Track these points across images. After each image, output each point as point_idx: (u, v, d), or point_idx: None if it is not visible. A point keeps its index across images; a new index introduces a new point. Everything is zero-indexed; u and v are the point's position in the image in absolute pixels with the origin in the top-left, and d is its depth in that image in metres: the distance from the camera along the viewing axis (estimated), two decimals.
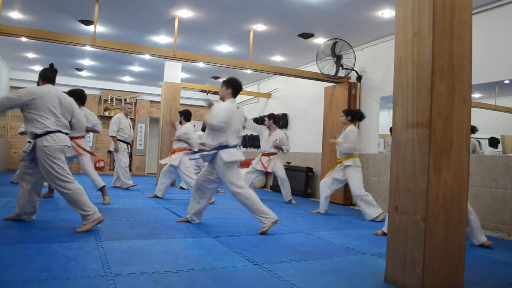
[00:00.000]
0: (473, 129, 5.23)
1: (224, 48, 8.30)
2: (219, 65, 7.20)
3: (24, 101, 3.95)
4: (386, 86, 6.96)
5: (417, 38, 2.74)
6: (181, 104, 10.24)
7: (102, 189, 5.91)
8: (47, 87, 4.16)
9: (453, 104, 2.69)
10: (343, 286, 2.72)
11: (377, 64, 7.30)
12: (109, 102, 12.96)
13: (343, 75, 7.44)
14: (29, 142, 4.23)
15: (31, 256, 3.01)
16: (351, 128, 5.84)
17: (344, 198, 7.27)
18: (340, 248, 3.87)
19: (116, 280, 2.54)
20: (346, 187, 6.42)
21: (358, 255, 3.63)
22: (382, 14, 6.04)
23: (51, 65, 4.36)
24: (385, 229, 4.51)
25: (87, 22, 6.99)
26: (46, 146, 3.93)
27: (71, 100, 4.31)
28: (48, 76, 4.26)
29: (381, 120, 7.12)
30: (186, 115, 7.40)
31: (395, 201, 2.79)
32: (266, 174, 7.62)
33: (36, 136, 3.97)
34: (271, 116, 7.58)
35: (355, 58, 7.21)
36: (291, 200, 7.36)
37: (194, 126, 7.67)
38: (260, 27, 6.91)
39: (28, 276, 2.54)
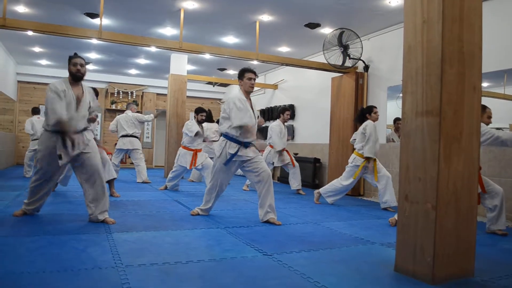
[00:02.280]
0: None
1: (230, 39, 8.26)
2: (226, 56, 7.17)
3: None
4: (393, 75, 6.91)
5: (426, 25, 2.70)
6: (188, 97, 10.24)
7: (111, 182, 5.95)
8: None
9: (463, 91, 2.66)
10: (353, 275, 2.72)
11: (384, 54, 7.23)
12: (115, 95, 12.98)
13: (350, 65, 7.39)
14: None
15: (42, 248, 3.03)
16: None
17: (352, 188, 7.23)
18: (349, 238, 3.86)
19: (127, 271, 2.56)
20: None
21: (368, 245, 3.62)
22: (389, 2, 5.97)
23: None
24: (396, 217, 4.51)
25: (93, 15, 6.98)
26: None
27: None
28: None
29: (388, 110, 7.07)
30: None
31: (405, 190, 2.78)
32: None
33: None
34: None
35: (362, 47, 7.15)
36: (299, 190, 7.34)
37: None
38: (266, 17, 6.87)
39: (40, 268, 2.56)
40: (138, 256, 2.92)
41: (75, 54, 4.16)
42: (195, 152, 6.77)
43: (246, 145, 4.41)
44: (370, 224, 4.64)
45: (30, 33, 6.16)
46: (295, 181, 7.33)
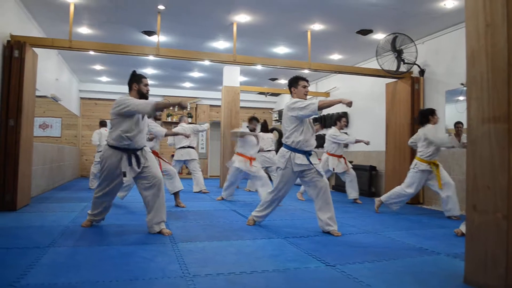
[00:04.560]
0: None
1: (281, 49, 8.32)
2: (278, 67, 7.24)
3: None
4: (451, 79, 6.69)
5: (490, 28, 2.62)
6: (241, 107, 10.39)
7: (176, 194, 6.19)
8: None
9: None
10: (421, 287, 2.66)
11: (440, 57, 7.03)
12: (171, 108, 13.38)
13: (405, 70, 7.24)
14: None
15: (113, 258, 3.19)
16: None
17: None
18: (412, 248, 3.77)
19: (195, 281, 2.64)
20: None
21: (433, 255, 3.52)
22: (444, 5, 5.81)
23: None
24: (462, 228, 4.30)
25: (150, 33, 7.27)
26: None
27: None
28: None
29: (447, 114, 6.84)
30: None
31: (473, 200, 2.69)
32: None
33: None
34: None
35: (416, 52, 6.99)
36: (356, 199, 7.25)
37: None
38: (317, 26, 6.88)
39: (113, 277, 2.70)
40: (204, 266, 3.01)
41: (134, 72, 4.43)
42: (250, 160, 6.82)
43: (309, 154, 4.43)
44: (433, 233, 4.51)
45: (92, 52, 6.50)
46: (352, 190, 7.24)
